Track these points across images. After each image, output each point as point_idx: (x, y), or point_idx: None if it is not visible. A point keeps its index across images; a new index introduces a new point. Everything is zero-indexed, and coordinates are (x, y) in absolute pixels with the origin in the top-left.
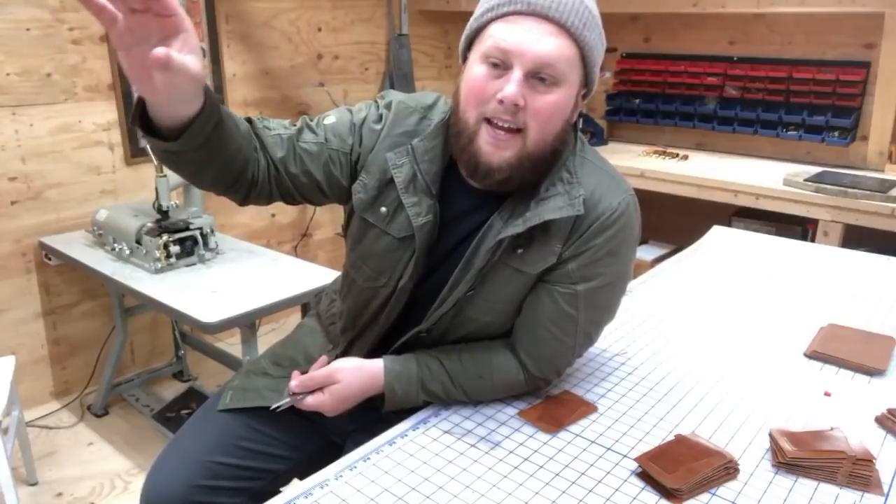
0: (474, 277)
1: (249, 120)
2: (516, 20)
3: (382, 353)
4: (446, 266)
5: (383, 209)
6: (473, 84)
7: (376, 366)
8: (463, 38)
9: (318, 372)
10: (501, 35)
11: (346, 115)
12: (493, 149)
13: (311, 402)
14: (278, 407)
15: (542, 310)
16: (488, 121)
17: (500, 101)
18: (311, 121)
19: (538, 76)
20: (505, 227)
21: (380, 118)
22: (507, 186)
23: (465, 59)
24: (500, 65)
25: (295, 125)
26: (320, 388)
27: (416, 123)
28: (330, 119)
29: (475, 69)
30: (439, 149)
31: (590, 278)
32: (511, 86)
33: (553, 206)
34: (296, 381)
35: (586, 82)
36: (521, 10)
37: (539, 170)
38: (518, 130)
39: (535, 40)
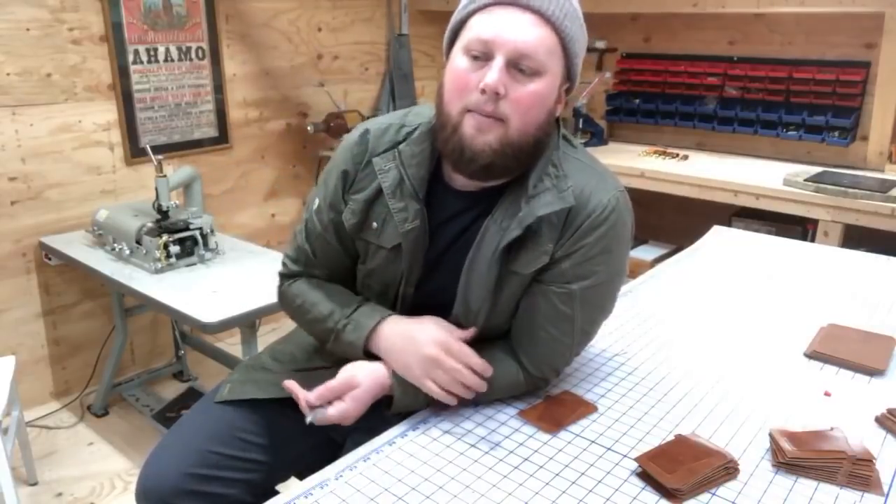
0: (493, 290)
1: (301, 273)
2: (496, 10)
3: None
4: (442, 269)
5: (374, 224)
6: (456, 76)
7: (383, 368)
8: (446, 33)
9: (334, 381)
10: (482, 26)
11: (322, 190)
12: (476, 132)
13: (335, 412)
14: (312, 422)
15: (539, 310)
16: (471, 111)
17: (482, 91)
18: (307, 212)
19: (519, 66)
20: (501, 231)
21: (350, 151)
22: (491, 175)
23: (448, 55)
24: (482, 56)
25: (302, 234)
26: (338, 398)
27: (395, 134)
28: (315, 203)
29: (457, 62)
30: (426, 153)
31: (584, 277)
32: (493, 73)
33: (544, 202)
34: (313, 394)
35: (569, 76)
36: (501, 0)
37: (522, 160)
38: (500, 119)
39: (515, 29)
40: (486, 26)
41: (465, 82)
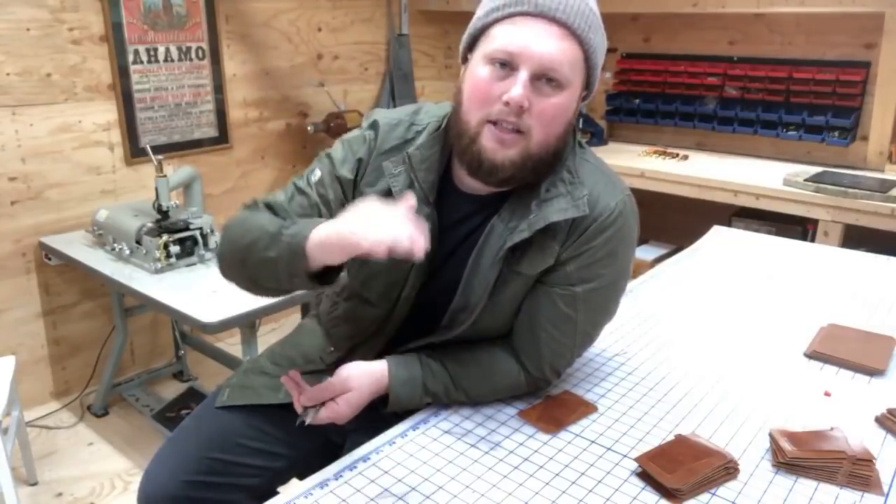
0: (490, 290)
1: (269, 206)
2: (522, 21)
3: (386, 354)
4: (446, 271)
5: None
6: (477, 86)
7: (381, 368)
8: (465, 37)
9: (328, 382)
10: (507, 36)
11: (328, 164)
12: (498, 146)
13: (327, 414)
14: (303, 422)
15: (541, 311)
16: (492, 122)
17: (506, 103)
18: (301, 180)
19: (544, 79)
20: (508, 231)
21: (363, 139)
22: (508, 185)
23: (465, 59)
24: (506, 66)
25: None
26: (331, 399)
27: (404, 132)
28: (316, 174)
29: (479, 70)
30: (436, 157)
31: (589, 280)
32: (518, 87)
33: (557, 208)
34: (305, 395)
35: (587, 84)
36: (527, 10)
37: (540, 170)
38: (521, 132)
39: (541, 42)
40: (512, 37)
41: (487, 92)
